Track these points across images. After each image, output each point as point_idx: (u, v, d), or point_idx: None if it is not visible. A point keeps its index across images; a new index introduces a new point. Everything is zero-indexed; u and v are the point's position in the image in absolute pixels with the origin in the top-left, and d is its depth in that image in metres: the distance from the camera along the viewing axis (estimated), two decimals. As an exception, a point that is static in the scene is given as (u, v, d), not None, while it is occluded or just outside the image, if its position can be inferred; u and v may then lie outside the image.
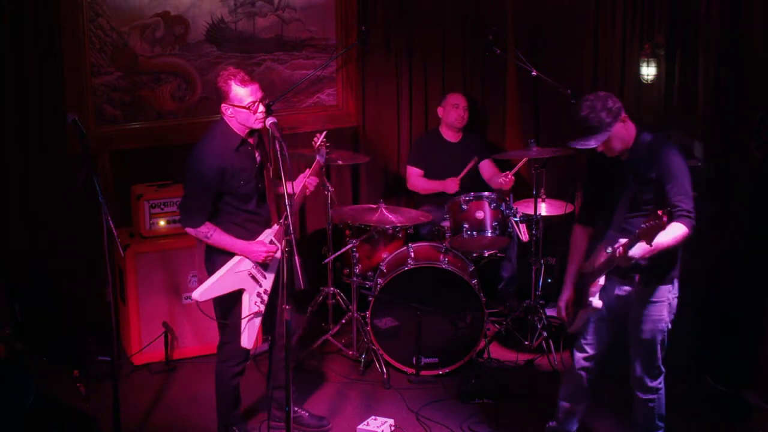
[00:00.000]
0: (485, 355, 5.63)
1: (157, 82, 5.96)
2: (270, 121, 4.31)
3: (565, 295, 4.44)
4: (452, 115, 6.35)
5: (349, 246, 5.71)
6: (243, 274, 4.53)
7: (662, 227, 3.70)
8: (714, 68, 5.45)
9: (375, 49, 6.49)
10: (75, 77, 5.66)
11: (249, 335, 4.54)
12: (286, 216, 4.14)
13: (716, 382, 5.29)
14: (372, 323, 5.53)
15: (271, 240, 4.57)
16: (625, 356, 4.42)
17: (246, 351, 4.64)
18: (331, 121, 6.53)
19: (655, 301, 4.22)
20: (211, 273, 4.53)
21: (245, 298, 4.52)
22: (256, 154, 4.55)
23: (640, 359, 4.35)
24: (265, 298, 4.56)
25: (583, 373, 4.45)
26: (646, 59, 5.85)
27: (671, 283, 4.21)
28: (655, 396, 4.42)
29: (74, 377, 5.27)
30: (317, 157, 4.90)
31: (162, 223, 5.61)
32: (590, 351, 4.41)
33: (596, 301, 4.23)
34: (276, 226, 4.57)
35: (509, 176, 6.00)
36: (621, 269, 4.14)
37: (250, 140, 4.52)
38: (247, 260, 4.52)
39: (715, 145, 5.50)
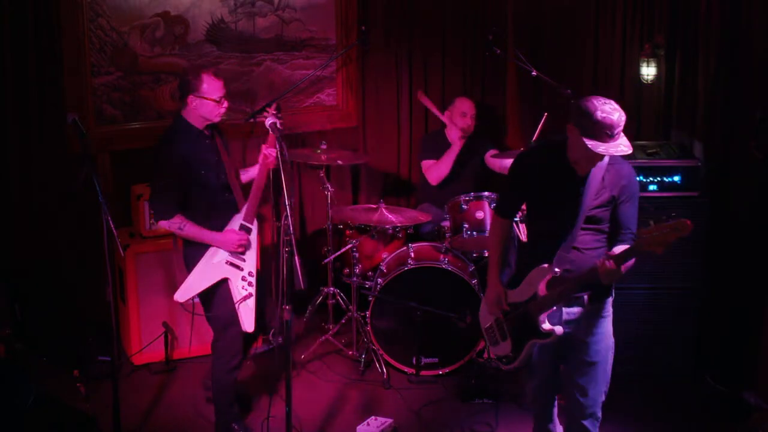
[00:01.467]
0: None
1: (157, 82, 5.96)
2: (269, 121, 4.33)
3: (497, 288, 4.07)
4: (459, 123, 6.29)
5: (349, 246, 5.71)
6: (221, 264, 4.61)
7: (686, 230, 3.41)
8: (714, 68, 5.45)
9: (375, 49, 6.49)
10: (75, 77, 5.66)
11: (247, 319, 4.59)
12: (286, 216, 4.14)
13: (716, 382, 5.30)
14: (372, 323, 5.53)
15: (241, 224, 4.66)
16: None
17: (240, 342, 4.69)
18: (331, 121, 6.53)
19: (604, 316, 4.00)
20: (189, 269, 4.62)
21: (231, 285, 4.61)
22: (216, 146, 4.71)
23: (593, 385, 4.03)
24: (252, 279, 4.63)
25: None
26: (646, 59, 5.85)
27: (611, 294, 4.01)
28: (599, 423, 4.13)
29: (74, 377, 5.27)
30: (270, 130, 4.78)
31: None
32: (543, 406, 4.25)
33: (558, 328, 3.91)
34: (243, 211, 4.67)
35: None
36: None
37: (206, 132, 4.67)
38: (221, 250, 4.60)
39: (715, 145, 5.50)
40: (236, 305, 4.59)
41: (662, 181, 5.29)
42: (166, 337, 5.57)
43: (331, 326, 5.94)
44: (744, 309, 5.25)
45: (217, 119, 4.66)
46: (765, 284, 5.03)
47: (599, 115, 3.60)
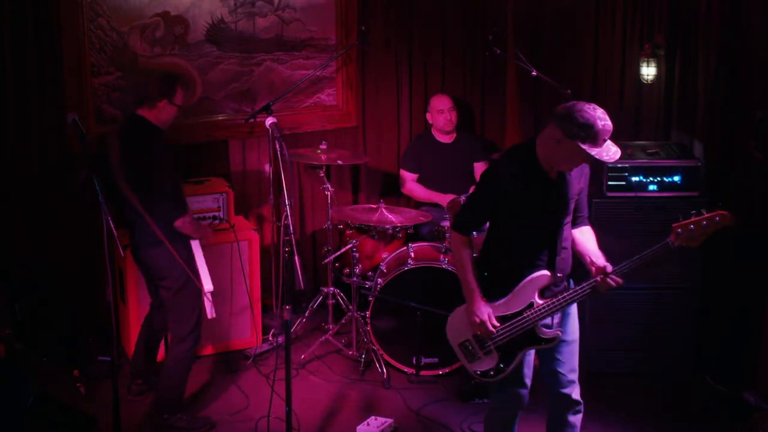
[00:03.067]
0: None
1: (157, 82, 5.95)
2: (270, 121, 4.34)
3: (484, 307, 3.95)
4: (439, 121, 6.36)
5: (349, 246, 5.71)
6: (200, 252, 4.80)
7: (727, 221, 3.56)
8: (714, 68, 5.45)
9: (375, 49, 6.49)
10: (75, 77, 5.65)
11: (210, 307, 4.85)
12: (286, 216, 4.15)
13: (716, 382, 5.29)
14: (372, 323, 5.53)
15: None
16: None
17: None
18: (331, 121, 6.52)
19: None
20: (190, 260, 4.73)
21: (201, 271, 4.81)
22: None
23: (570, 357, 4.07)
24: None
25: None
26: (646, 59, 5.85)
27: None
28: (581, 415, 4.17)
29: (74, 377, 5.27)
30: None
31: (162, 223, 5.61)
32: (529, 383, 4.10)
33: (559, 331, 3.93)
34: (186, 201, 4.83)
35: None
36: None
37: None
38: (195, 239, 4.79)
39: (715, 145, 5.50)
40: (206, 292, 4.79)
41: (662, 181, 5.29)
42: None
43: (331, 326, 5.94)
44: (744, 309, 5.25)
45: (167, 126, 4.84)
46: (765, 284, 5.03)
47: (600, 124, 3.65)
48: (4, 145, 5.50)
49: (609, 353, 5.43)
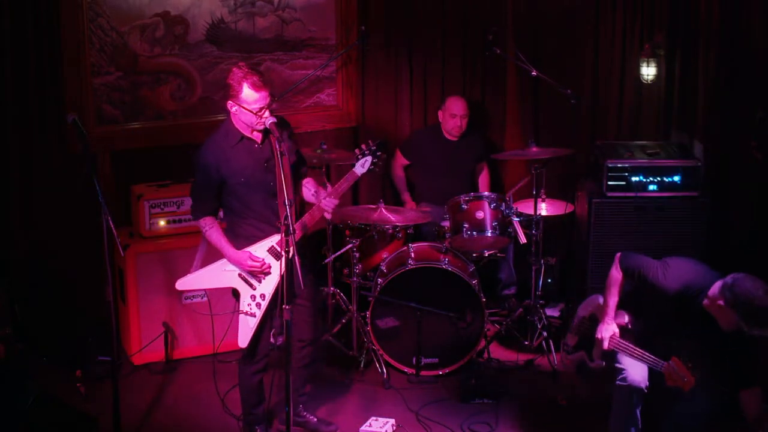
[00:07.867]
0: (485, 355, 5.63)
1: (157, 82, 5.96)
2: (270, 121, 4.31)
3: None
4: (449, 124, 6.35)
5: (349, 246, 5.71)
6: (232, 274, 4.54)
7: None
8: (714, 68, 5.45)
9: (375, 49, 6.49)
10: (75, 77, 5.66)
11: (243, 333, 4.50)
12: (286, 216, 4.13)
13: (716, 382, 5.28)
14: (372, 323, 5.53)
15: (272, 247, 4.50)
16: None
17: (262, 347, 4.60)
18: (331, 121, 6.53)
19: None
20: (204, 264, 4.59)
21: (240, 297, 4.54)
22: (264, 152, 4.45)
23: None
24: (261, 302, 4.50)
25: None
26: (646, 59, 5.86)
27: None
28: None
29: (76, 377, 5.27)
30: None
31: (162, 223, 5.60)
32: None
33: None
34: (280, 235, 4.29)
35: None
36: None
37: (254, 137, 4.45)
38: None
39: (715, 145, 5.50)
40: (237, 314, 4.53)
41: (662, 181, 5.30)
42: (166, 337, 5.57)
43: (331, 326, 5.94)
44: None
45: (260, 127, 4.37)
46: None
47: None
48: (4, 144, 5.50)
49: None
